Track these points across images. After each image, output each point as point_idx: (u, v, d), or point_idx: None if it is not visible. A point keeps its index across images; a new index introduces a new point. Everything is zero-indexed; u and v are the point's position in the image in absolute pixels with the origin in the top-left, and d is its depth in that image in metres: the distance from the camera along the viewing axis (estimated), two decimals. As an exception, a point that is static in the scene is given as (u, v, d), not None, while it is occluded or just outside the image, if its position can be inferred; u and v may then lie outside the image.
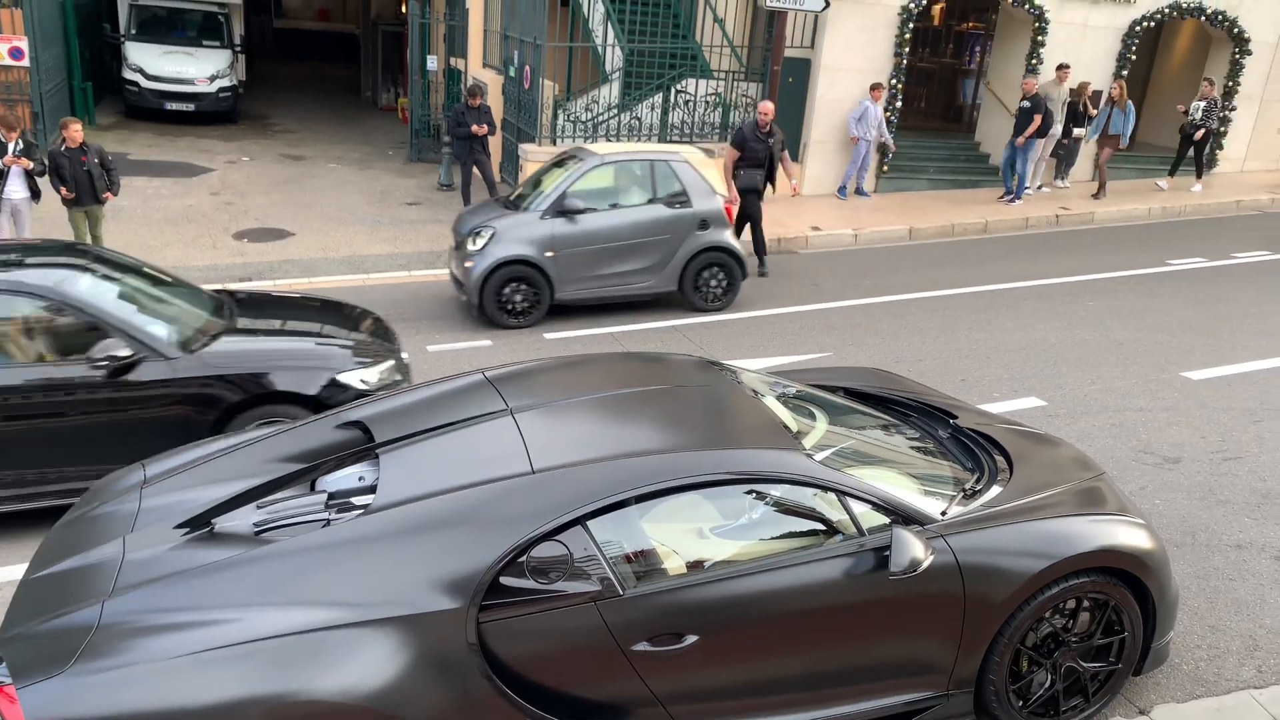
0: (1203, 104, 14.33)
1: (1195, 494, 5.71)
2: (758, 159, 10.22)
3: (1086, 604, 3.69)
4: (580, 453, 3.33)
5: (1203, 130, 14.41)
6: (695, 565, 3.28)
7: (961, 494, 3.76)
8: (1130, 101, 14.01)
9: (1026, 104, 13.40)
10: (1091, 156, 14.56)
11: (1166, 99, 16.62)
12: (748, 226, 10.54)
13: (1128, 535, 3.68)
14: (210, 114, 17.97)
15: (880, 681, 3.47)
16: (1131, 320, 9.17)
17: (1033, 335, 8.70)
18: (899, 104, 14.34)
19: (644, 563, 3.24)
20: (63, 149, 9.05)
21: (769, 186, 10.54)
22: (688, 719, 3.26)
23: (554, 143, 12.71)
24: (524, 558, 3.06)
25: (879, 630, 3.40)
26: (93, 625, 2.84)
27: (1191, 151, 14.74)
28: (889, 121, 13.97)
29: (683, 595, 3.18)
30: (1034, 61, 14.42)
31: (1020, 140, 13.47)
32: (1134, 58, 15.23)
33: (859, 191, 14.11)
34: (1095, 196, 14.18)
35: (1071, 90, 14.02)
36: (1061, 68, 13.84)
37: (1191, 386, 7.45)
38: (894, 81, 14.07)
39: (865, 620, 3.37)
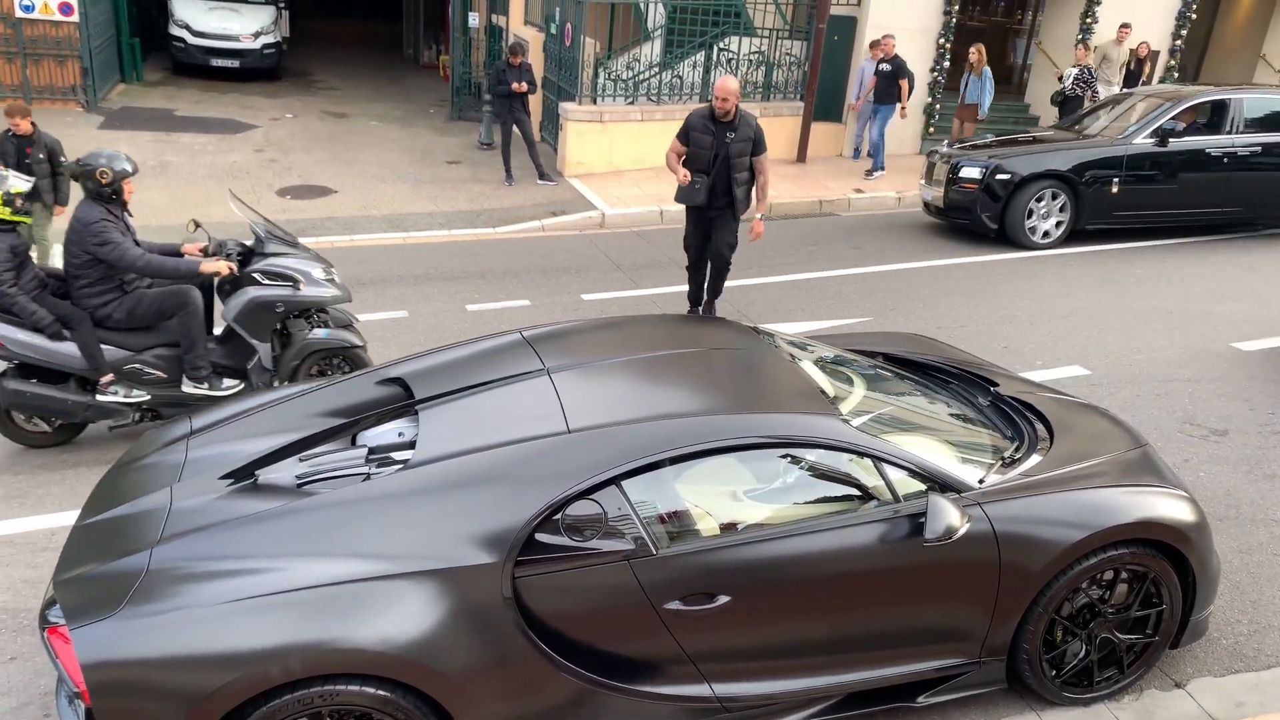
0: (1075, 70, 12.97)
1: (1241, 467, 5.61)
2: (702, 161, 6.94)
3: (1125, 575, 3.66)
4: (616, 413, 3.35)
5: (1067, 100, 12.88)
6: (729, 527, 3.29)
7: (1000, 462, 3.73)
8: (988, 69, 12.62)
9: (887, 67, 12.50)
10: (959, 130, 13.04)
11: (1226, 66, 16.06)
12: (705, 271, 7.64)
13: (1169, 507, 3.63)
14: (254, 70, 18.05)
15: (912, 647, 3.47)
16: (1181, 288, 8.97)
17: (1078, 302, 8.54)
18: (947, 64, 14.02)
19: (678, 523, 3.26)
20: (9, 135, 7.86)
21: (729, 208, 7.10)
22: (718, 677, 3.29)
23: (594, 101, 12.62)
24: (559, 515, 3.10)
25: (912, 596, 3.40)
26: (142, 571, 2.93)
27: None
28: (937, 82, 13.63)
29: (716, 556, 3.20)
30: (1088, 20, 14.00)
31: (902, 109, 12.68)
32: (1194, 17, 14.73)
33: (872, 160, 13.38)
34: None
35: (1131, 50, 13.54)
36: (1123, 27, 13.29)
37: (1241, 357, 7.28)
38: (942, 40, 13.74)
39: (898, 586, 3.37)
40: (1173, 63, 15.19)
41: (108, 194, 5.38)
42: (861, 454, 3.39)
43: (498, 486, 3.11)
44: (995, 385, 4.47)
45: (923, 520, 3.29)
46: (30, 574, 4.47)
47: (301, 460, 3.50)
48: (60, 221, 8.23)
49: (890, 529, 3.34)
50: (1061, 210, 10.12)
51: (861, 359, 4.43)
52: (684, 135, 7.03)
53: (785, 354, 4.01)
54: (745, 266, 9.52)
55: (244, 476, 3.37)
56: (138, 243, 5.49)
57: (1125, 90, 12.66)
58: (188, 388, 5.62)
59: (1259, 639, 4.14)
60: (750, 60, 13.24)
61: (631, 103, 12.87)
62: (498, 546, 3.01)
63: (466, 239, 10.34)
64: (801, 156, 13.73)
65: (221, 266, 5.53)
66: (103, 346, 5.44)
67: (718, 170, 6.96)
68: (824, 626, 3.35)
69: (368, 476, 3.34)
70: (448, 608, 2.94)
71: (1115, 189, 10.05)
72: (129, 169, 5.45)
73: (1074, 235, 10.30)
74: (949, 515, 3.24)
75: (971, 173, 10.17)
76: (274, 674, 2.74)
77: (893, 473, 3.41)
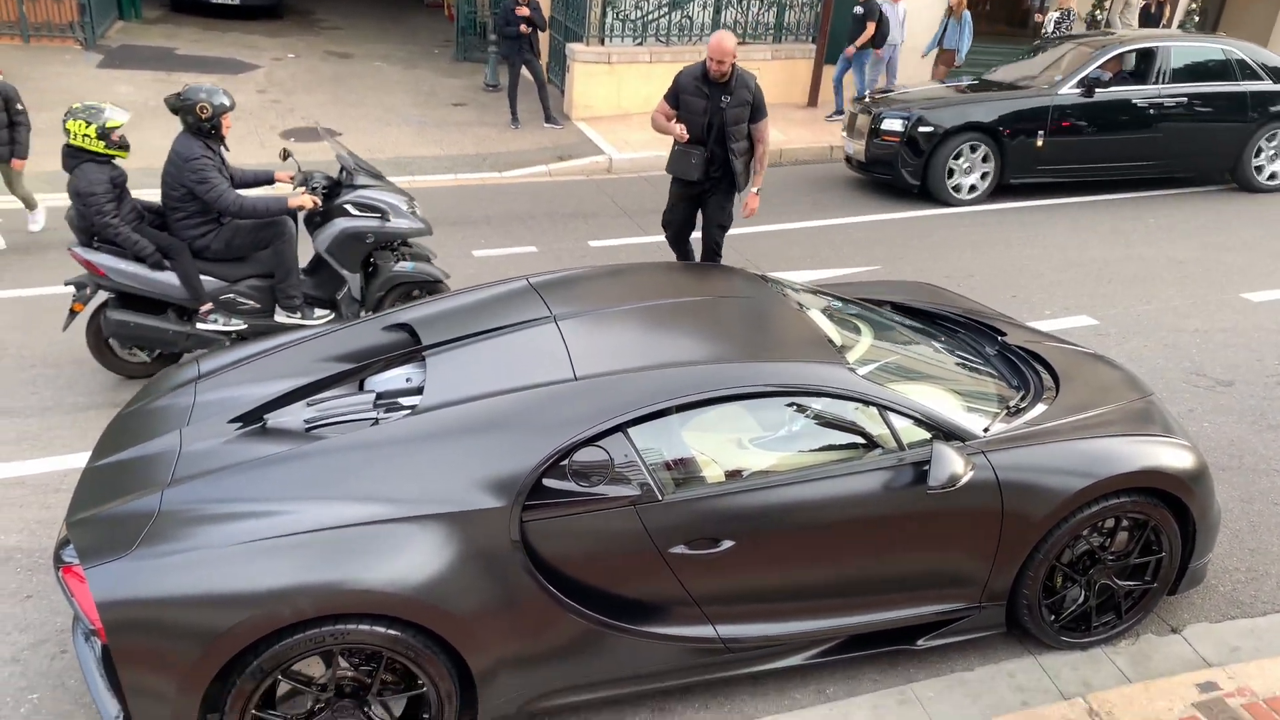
0: (1056, 15, 12.66)
1: (1246, 418, 5.62)
2: (695, 129, 6.15)
3: (1125, 523, 3.69)
4: (623, 361, 3.35)
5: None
6: (734, 474, 3.32)
7: (1005, 411, 3.74)
8: (969, 12, 12.27)
9: (859, 9, 12.09)
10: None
11: (1242, 14, 15.68)
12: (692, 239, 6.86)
13: (1171, 457, 3.65)
14: (255, 8, 17.76)
15: (913, 592, 3.52)
16: (1194, 238, 8.89)
17: (1089, 252, 8.49)
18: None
19: (683, 470, 3.29)
20: None
21: (724, 181, 6.34)
22: (721, 619, 3.35)
23: (602, 42, 12.42)
24: (566, 461, 3.12)
25: (914, 543, 3.43)
26: (154, 512, 2.97)
27: None
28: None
29: (720, 502, 3.23)
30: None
31: (850, 50, 12.30)
32: (1215, -42, 14.39)
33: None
34: None
35: None
36: None
37: (1251, 308, 7.25)
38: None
39: (901, 533, 3.40)
40: (1194, 6, 14.86)
41: (207, 129, 5.46)
42: (867, 402, 3.40)
43: (505, 432, 3.13)
44: (1003, 334, 4.47)
45: (927, 468, 3.31)
46: (44, 514, 4.53)
47: (310, 405, 3.52)
48: (34, 177, 8.20)
49: (894, 476, 3.36)
50: (985, 163, 9.71)
51: (869, 307, 4.42)
52: (673, 97, 6.21)
53: (792, 302, 4.00)
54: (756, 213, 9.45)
55: (253, 420, 3.39)
56: (231, 176, 5.64)
57: (1055, 34, 12.17)
58: (281, 317, 5.80)
59: (1256, 586, 4.19)
60: (761, 0, 12.98)
61: (640, 43, 12.66)
62: (506, 491, 3.04)
63: (472, 183, 10.26)
64: (813, 101, 13.53)
65: (307, 201, 5.66)
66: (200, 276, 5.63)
67: (714, 140, 6.15)
68: (827, 571, 3.39)
69: (376, 421, 3.37)
70: (456, 550, 2.98)
71: (1040, 142, 9.67)
72: (227, 104, 5.51)
73: (1003, 191, 9.95)
74: (953, 463, 3.27)
75: (893, 125, 9.69)
76: (285, 614, 2.79)
77: (898, 421, 3.43)
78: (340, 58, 15.61)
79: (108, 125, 5.40)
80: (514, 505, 3.04)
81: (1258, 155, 10.28)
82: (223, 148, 5.63)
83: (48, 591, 4.02)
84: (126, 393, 5.66)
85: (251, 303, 5.76)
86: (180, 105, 5.40)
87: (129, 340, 5.65)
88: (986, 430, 3.56)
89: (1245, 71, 10.07)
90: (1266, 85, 10.11)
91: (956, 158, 9.64)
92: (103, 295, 5.63)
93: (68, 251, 5.56)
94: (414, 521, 2.97)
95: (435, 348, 3.62)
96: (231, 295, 5.71)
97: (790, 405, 3.43)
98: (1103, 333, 6.75)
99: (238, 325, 5.73)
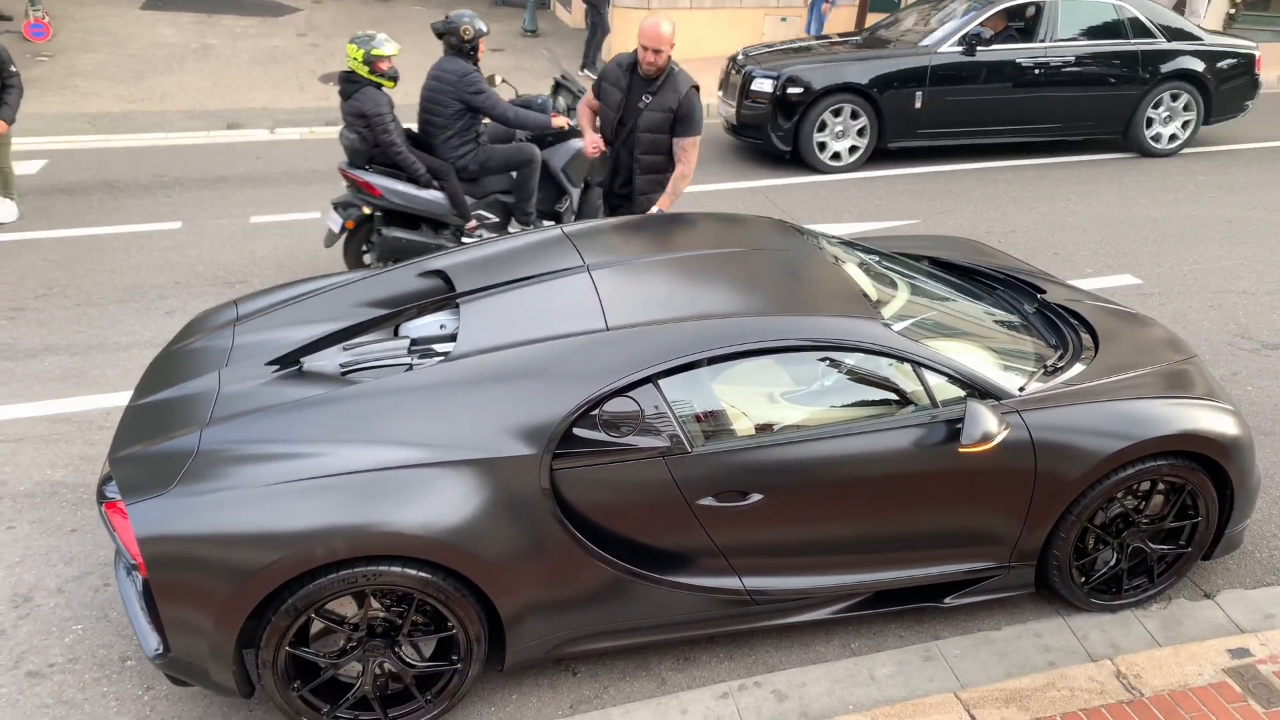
0: None
1: (1291, 382, 5.50)
2: (607, 126, 5.30)
3: (1162, 487, 3.64)
4: (655, 312, 3.34)
5: None
6: (764, 428, 3.31)
7: (1042, 370, 3.69)
8: None
9: None
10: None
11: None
12: None
13: (1211, 420, 3.58)
14: (295, -50, 17.63)
15: (942, 550, 3.51)
16: (1244, 196, 8.64)
17: (1134, 209, 8.28)
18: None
19: (713, 423, 3.29)
20: None
21: (624, 204, 5.42)
22: (748, 571, 3.37)
23: (642, -12, 12.18)
24: (596, 411, 3.13)
25: (945, 500, 3.42)
26: (193, 451, 3.02)
27: None
28: None
29: (750, 456, 3.23)
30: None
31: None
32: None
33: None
34: None
35: None
36: None
37: (1302, 270, 7.06)
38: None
39: (931, 490, 3.39)
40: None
41: (467, 50, 5.98)
42: (901, 359, 3.37)
43: (537, 381, 3.14)
44: (1042, 292, 4.39)
45: (960, 426, 3.28)
46: (88, 450, 4.65)
47: (345, 349, 3.55)
48: (86, 116, 8.12)
49: (927, 434, 3.34)
50: (861, 133, 9.18)
51: (907, 262, 4.35)
52: (596, 86, 5.34)
53: (828, 256, 3.95)
54: (792, 164, 9.33)
55: (289, 363, 3.43)
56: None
57: None
58: (514, 229, 6.32)
59: (1294, 554, 4.13)
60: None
61: (680, -10, 12.41)
62: (536, 439, 3.06)
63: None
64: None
65: (564, 122, 6.17)
66: None
67: (621, 144, 5.27)
68: (855, 527, 3.39)
69: (410, 367, 3.39)
70: (487, 496, 3.01)
71: (919, 104, 9.10)
72: (485, 29, 6.03)
73: (882, 156, 9.50)
74: (987, 422, 3.23)
75: (764, 85, 9.09)
76: (319, 553, 2.85)
77: (932, 378, 3.39)
78: (380, 1, 15.50)
79: (373, 53, 5.79)
80: (544, 453, 3.06)
81: (1149, 121, 9.80)
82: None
83: (92, 526, 4.14)
84: (168, 333, 5.75)
85: (492, 216, 6.34)
86: (446, 28, 5.93)
87: (397, 254, 6.01)
88: (1022, 389, 3.51)
89: (1138, 29, 9.54)
90: (1160, 44, 9.58)
91: (835, 115, 9.08)
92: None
93: (339, 171, 6.01)
94: (446, 467, 3.01)
95: (469, 295, 3.63)
96: (479, 211, 6.30)
97: (823, 360, 3.40)
98: (1146, 292, 6.61)
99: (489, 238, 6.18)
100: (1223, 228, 7.86)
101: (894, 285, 3.95)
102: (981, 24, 9.24)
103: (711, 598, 3.34)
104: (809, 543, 3.37)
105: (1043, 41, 9.33)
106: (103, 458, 4.56)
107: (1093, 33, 9.48)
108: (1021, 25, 9.50)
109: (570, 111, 6.44)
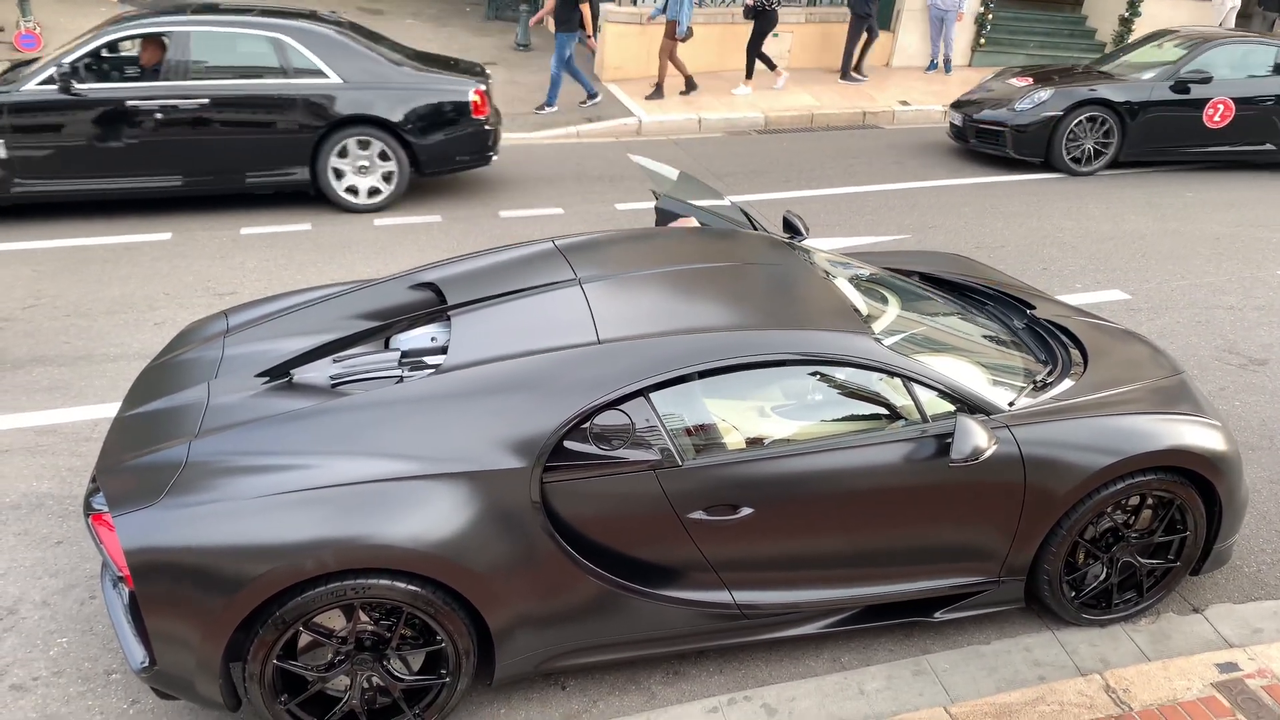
0: None
1: (1279, 397, 5.53)
2: None
3: (1150, 501, 3.65)
4: (646, 325, 3.34)
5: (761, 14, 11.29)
6: (755, 442, 3.32)
7: (1032, 385, 3.70)
8: None
9: None
10: None
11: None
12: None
13: (1199, 436, 3.60)
14: (286, -37, 17.59)
15: (932, 564, 3.52)
16: (1231, 213, 8.72)
17: (1123, 225, 8.34)
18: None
19: (704, 436, 3.29)
20: None
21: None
22: (738, 585, 3.36)
23: (635, 2, 12.27)
24: (587, 424, 3.13)
25: (934, 515, 3.42)
26: (181, 463, 3.01)
27: None
28: None
29: (740, 469, 3.23)
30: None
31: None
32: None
33: (944, 65, 13.38)
34: None
35: None
36: None
37: (1288, 287, 7.12)
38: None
39: (921, 505, 3.39)
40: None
41: None
42: (891, 373, 3.38)
43: (528, 394, 3.14)
44: (1032, 308, 4.41)
45: (950, 441, 3.29)
46: (75, 462, 4.62)
47: (336, 361, 3.54)
48: None
49: (917, 448, 3.35)
50: None
51: (896, 277, 4.37)
52: None
53: (820, 270, 3.97)
54: (784, 179, 9.38)
55: (279, 375, 3.42)
56: None
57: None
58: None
59: (1282, 569, 4.15)
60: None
61: (672, 5, 12.46)
62: (527, 452, 3.05)
63: (501, 144, 10.20)
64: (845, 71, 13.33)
65: None
66: None
67: None
68: (845, 541, 3.39)
69: (400, 379, 3.38)
70: (477, 509, 3.00)
71: (3, 152, 7.26)
72: None
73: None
74: (976, 437, 3.24)
75: None
76: (308, 566, 2.83)
77: (922, 393, 3.40)
78: (372, 14, 15.54)
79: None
80: (535, 466, 3.05)
81: (337, 174, 8.04)
82: None
83: (78, 538, 4.11)
84: (157, 344, 5.73)
85: None
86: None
87: None
88: (1012, 404, 3.53)
89: (300, 65, 7.79)
90: (327, 83, 7.80)
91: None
92: None
93: None
94: (436, 479, 3.00)
95: (460, 307, 3.63)
96: None
97: (814, 374, 3.41)
98: (1134, 308, 6.65)
99: None
100: (1210, 244, 7.92)
101: (884, 300, 3.97)
102: (106, 52, 7.63)
103: (702, 612, 3.34)
104: (799, 557, 3.37)
105: (169, 79, 7.56)
106: (90, 469, 4.53)
107: (241, 70, 7.74)
108: (153, 63, 7.67)
109: None
